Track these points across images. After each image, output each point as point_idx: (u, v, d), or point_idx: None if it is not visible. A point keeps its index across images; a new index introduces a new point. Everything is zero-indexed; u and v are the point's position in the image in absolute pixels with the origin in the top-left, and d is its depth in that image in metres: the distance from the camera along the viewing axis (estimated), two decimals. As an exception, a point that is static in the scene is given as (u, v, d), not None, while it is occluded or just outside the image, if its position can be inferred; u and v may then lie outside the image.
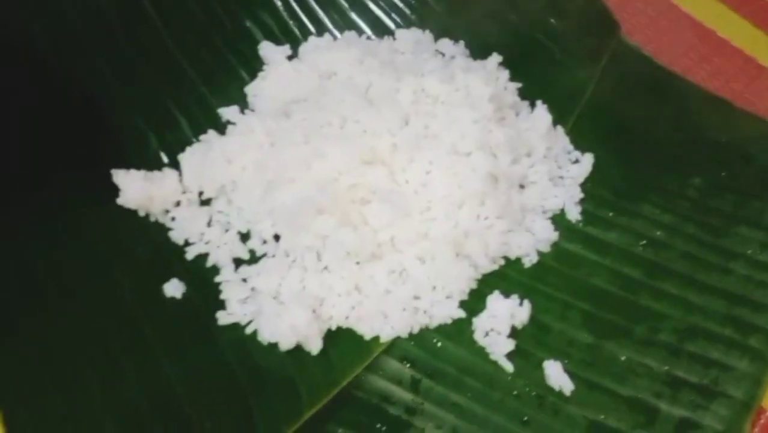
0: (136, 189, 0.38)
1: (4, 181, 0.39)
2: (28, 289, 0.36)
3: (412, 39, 0.49)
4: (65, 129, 0.41)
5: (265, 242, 0.38)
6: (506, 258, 0.41)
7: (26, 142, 0.40)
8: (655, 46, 0.55)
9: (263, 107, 0.43)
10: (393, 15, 0.51)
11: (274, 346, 0.35)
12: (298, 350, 0.35)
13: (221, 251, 0.38)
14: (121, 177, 0.38)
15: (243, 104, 0.44)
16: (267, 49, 0.45)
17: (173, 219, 0.39)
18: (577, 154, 0.46)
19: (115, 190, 0.38)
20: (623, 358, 0.39)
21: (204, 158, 0.39)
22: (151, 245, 0.38)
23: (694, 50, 0.55)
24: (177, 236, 0.38)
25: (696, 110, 0.51)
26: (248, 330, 0.36)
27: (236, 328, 0.36)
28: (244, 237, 0.38)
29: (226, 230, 0.38)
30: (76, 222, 0.38)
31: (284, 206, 0.36)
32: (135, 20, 0.46)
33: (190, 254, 0.38)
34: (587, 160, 0.45)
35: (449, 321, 0.38)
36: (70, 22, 0.45)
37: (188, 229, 0.38)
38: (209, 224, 0.38)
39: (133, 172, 0.39)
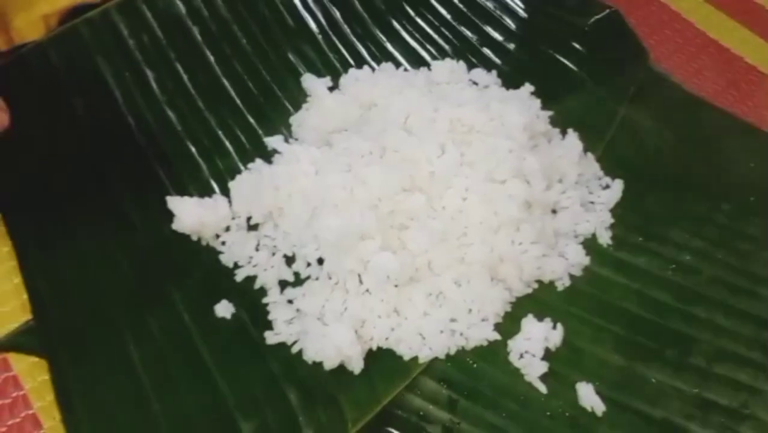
0: (189, 215, 0.40)
1: (66, 206, 0.41)
2: (92, 309, 0.38)
3: (447, 69, 0.51)
4: (124, 156, 0.44)
5: (309, 264, 0.40)
6: (540, 282, 0.42)
7: (86, 169, 0.43)
8: (683, 72, 0.56)
9: (307, 137, 0.45)
10: (428, 46, 0.53)
11: (318, 365, 0.37)
12: (341, 369, 0.37)
13: (268, 274, 0.40)
14: (176, 203, 0.40)
15: (287, 134, 0.46)
16: (309, 81, 0.48)
17: (223, 243, 0.41)
18: (607, 180, 0.47)
19: (170, 216, 0.41)
20: (654, 380, 0.40)
21: (252, 186, 0.41)
22: (203, 267, 0.40)
23: (722, 76, 0.57)
24: (227, 259, 0.40)
25: (724, 136, 0.52)
26: (294, 349, 0.38)
27: (283, 347, 0.38)
28: (290, 260, 0.40)
29: (273, 254, 0.40)
30: (134, 245, 0.40)
31: (328, 231, 0.38)
32: (187, 51, 0.49)
33: (240, 276, 0.40)
34: (617, 186, 0.47)
35: (485, 343, 0.39)
36: (131, 53, 0.48)
37: (237, 252, 0.40)
38: (257, 248, 0.40)
39: (186, 198, 0.41)
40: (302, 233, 0.39)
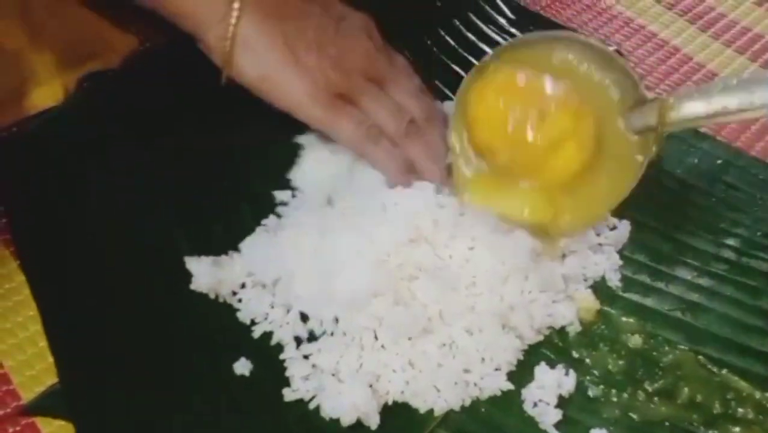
0: (206, 275, 0.41)
1: (87, 270, 0.43)
2: (115, 371, 0.40)
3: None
4: (141, 220, 0.45)
5: (322, 323, 0.41)
6: (551, 327, 0.43)
7: (104, 233, 0.45)
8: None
9: (307, 190, 0.46)
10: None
11: (336, 421, 0.38)
12: (359, 424, 0.38)
13: (284, 330, 0.40)
14: (194, 264, 0.42)
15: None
16: (302, 138, 0.49)
17: (240, 300, 0.42)
18: (614, 220, 0.48)
19: (188, 275, 0.42)
20: (667, 424, 0.40)
21: (262, 248, 0.42)
22: (221, 324, 0.42)
23: (724, 109, 0.57)
24: (243, 316, 0.41)
25: (727, 169, 0.53)
26: (311, 405, 0.39)
27: (301, 403, 0.39)
28: (304, 317, 0.41)
29: (288, 311, 0.41)
30: (154, 306, 0.42)
31: (341, 292, 0.39)
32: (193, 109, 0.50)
33: (257, 332, 0.41)
34: (624, 227, 0.47)
35: (498, 393, 0.40)
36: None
37: (253, 310, 0.41)
38: (272, 306, 0.41)
39: (203, 258, 0.42)
40: (315, 295, 0.40)
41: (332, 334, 0.40)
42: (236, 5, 0.43)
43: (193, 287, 0.42)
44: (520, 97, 0.37)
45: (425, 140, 0.46)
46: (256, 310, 0.41)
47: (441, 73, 0.55)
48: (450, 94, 0.54)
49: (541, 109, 0.35)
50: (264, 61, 0.45)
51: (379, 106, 0.45)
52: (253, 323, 0.41)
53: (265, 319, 0.41)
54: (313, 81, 0.44)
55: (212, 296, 0.42)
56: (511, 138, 0.38)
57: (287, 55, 0.44)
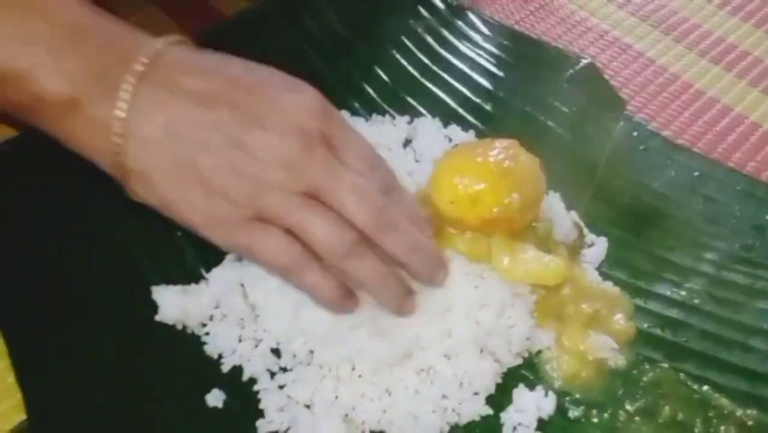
0: (173, 305, 0.40)
1: (52, 302, 0.42)
2: (84, 407, 0.39)
3: (422, 126, 0.51)
4: (108, 247, 0.44)
5: (295, 356, 0.40)
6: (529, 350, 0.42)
7: (70, 261, 0.44)
8: (661, 120, 0.57)
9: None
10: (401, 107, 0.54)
11: (311, 453, 0.37)
12: (334, 455, 0.37)
13: (254, 365, 0.39)
14: (160, 294, 0.41)
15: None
16: None
17: (207, 334, 0.41)
18: (592, 237, 0.47)
19: (155, 304, 0.41)
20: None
21: (232, 277, 0.41)
22: (193, 354, 0.41)
23: (699, 120, 0.57)
24: (211, 350, 0.40)
25: (705, 182, 0.53)
26: (286, 437, 0.38)
27: (275, 435, 0.38)
28: (275, 351, 0.40)
29: (256, 345, 0.40)
30: (122, 338, 0.41)
31: (317, 324, 0.39)
32: None
33: (226, 366, 0.40)
34: (601, 244, 0.47)
35: (478, 418, 0.39)
36: None
37: (221, 344, 0.40)
38: (240, 339, 0.40)
39: (170, 288, 0.41)
40: (287, 328, 0.39)
41: (309, 364, 0.40)
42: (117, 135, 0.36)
43: (158, 318, 0.41)
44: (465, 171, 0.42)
45: (371, 262, 0.38)
46: (224, 344, 0.40)
47: (416, 91, 0.55)
48: (424, 112, 0.53)
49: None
50: (158, 190, 0.37)
51: (310, 226, 0.36)
52: (221, 357, 0.40)
53: (234, 353, 0.40)
54: (222, 205, 0.36)
55: (179, 327, 0.41)
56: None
57: (186, 178, 0.36)
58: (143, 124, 0.36)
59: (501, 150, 0.42)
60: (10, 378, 0.40)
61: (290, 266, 0.37)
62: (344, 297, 0.38)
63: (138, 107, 0.35)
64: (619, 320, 0.43)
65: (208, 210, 0.37)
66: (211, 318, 0.41)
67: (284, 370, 0.40)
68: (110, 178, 0.41)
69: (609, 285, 0.45)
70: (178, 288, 0.41)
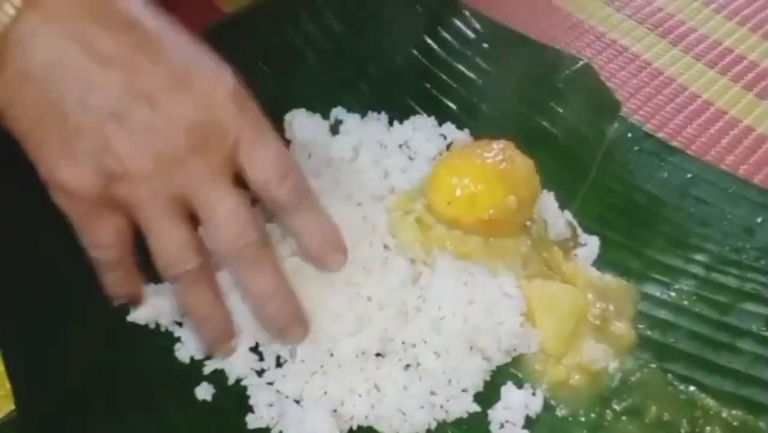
0: (146, 305, 0.40)
1: (48, 302, 0.42)
2: (73, 398, 0.39)
3: (416, 124, 0.51)
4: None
5: (279, 357, 0.40)
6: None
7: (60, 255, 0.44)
8: (655, 122, 0.57)
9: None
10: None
11: (299, 447, 0.37)
12: (322, 450, 0.37)
13: (236, 367, 0.39)
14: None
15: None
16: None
17: (179, 338, 0.40)
18: (584, 237, 0.48)
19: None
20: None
21: None
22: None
23: (693, 122, 0.58)
24: (182, 356, 0.40)
25: (698, 183, 0.53)
26: (274, 432, 0.38)
27: (264, 430, 0.38)
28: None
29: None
30: (112, 331, 0.41)
31: None
32: None
33: (207, 369, 0.40)
34: (593, 243, 0.47)
35: (465, 415, 0.39)
36: None
37: (193, 348, 0.40)
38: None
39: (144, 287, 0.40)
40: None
41: (294, 361, 0.40)
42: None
43: (130, 318, 0.40)
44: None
45: (200, 296, 0.36)
46: (197, 348, 0.40)
47: (412, 91, 0.55)
48: (420, 111, 0.54)
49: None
50: (16, 122, 0.33)
51: (155, 238, 0.34)
52: (192, 360, 0.40)
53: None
54: (72, 172, 0.32)
55: (152, 326, 0.41)
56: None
57: (48, 126, 0.32)
58: (18, 58, 0.31)
59: (497, 152, 0.42)
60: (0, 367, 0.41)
61: (102, 264, 0.37)
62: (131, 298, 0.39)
63: (18, 38, 0.31)
64: (620, 325, 0.44)
65: (55, 170, 0.32)
66: (181, 325, 0.41)
67: (277, 366, 0.40)
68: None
69: (609, 277, 0.45)
70: (152, 287, 0.40)
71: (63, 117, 0.32)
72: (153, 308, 0.40)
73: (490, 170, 0.41)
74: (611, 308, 0.44)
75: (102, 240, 0.35)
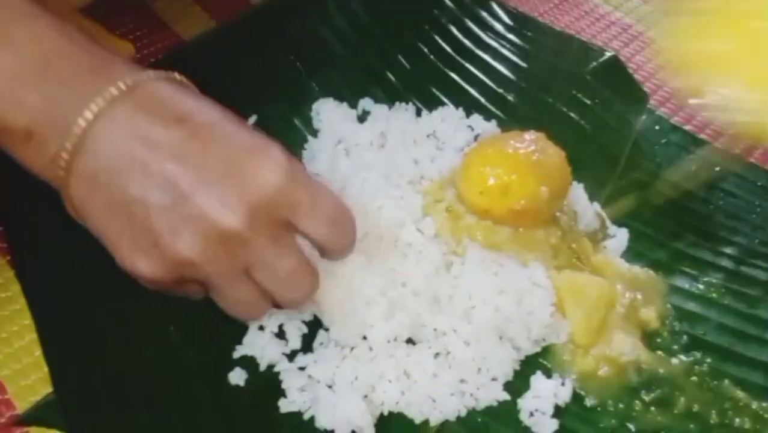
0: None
1: (82, 280, 0.43)
2: (110, 383, 0.40)
3: (443, 115, 0.52)
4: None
5: (304, 335, 0.41)
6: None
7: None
8: (683, 114, 0.57)
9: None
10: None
11: (330, 432, 0.38)
12: (354, 435, 0.38)
13: (267, 353, 0.40)
14: None
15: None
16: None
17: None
18: (613, 228, 0.48)
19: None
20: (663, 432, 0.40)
21: None
22: (216, 333, 0.41)
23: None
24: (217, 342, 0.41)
25: (727, 176, 0.53)
26: (306, 416, 0.38)
27: (296, 414, 0.39)
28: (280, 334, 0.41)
29: (260, 327, 0.41)
30: (150, 316, 0.42)
31: (332, 302, 0.39)
32: None
33: (237, 354, 0.41)
34: (622, 235, 0.47)
35: (495, 403, 0.40)
36: None
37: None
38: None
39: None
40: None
41: (325, 345, 0.40)
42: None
43: None
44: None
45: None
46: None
47: (438, 81, 0.56)
48: (446, 101, 0.54)
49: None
50: (91, 221, 0.36)
51: (223, 297, 0.37)
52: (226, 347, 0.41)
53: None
54: (147, 260, 0.35)
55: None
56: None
57: (117, 221, 0.35)
58: (87, 163, 0.34)
59: (530, 142, 0.43)
60: (37, 352, 0.41)
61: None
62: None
63: (87, 145, 0.34)
64: (648, 312, 0.44)
65: (132, 265, 0.35)
66: None
67: (305, 350, 0.40)
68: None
69: (638, 269, 0.45)
70: None
71: (130, 216, 0.34)
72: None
73: (522, 161, 0.41)
74: (639, 297, 0.44)
75: (187, 294, 0.38)
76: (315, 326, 0.42)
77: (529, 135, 0.43)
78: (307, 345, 0.41)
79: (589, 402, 0.41)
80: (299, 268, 0.36)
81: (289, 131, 0.52)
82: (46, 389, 0.40)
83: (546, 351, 0.42)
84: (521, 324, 0.40)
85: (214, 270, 0.35)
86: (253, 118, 0.51)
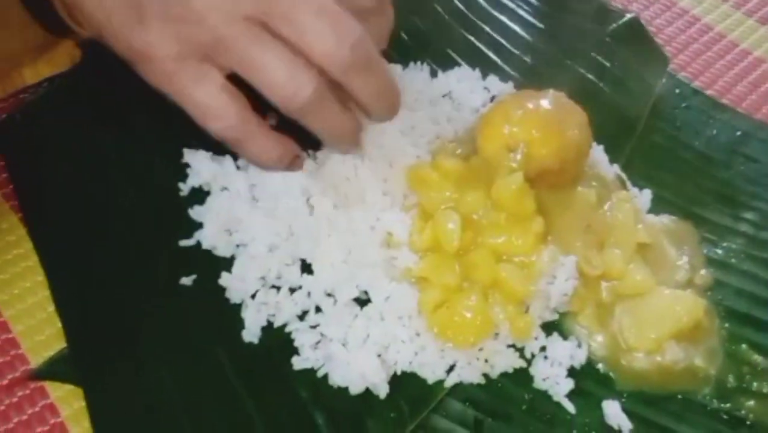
0: (203, 166, 0.44)
1: (95, 241, 0.43)
2: (123, 337, 0.40)
3: (459, 76, 0.51)
4: (151, 191, 0.45)
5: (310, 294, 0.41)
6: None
7: (112, 202, 0.44)
8: (705, 79, 0.55)
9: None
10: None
11: (344, 389, 0.38)
12: (367, 393, 0.38)
13: (281, 313, 0.40)
14: (191, 156, 0.44)
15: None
16: None
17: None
18: (635, 191, 0.47)
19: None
20: (680, 396, 0.40)
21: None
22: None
23: (744, 80, 0.56)
24: (233, 297, 0.41)
25: (747, 141, 0.52)
26: (320, 374, 0.38)
27: (310, 372, 0.38)
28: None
29: (271, 286, 0.41)
30: (162, 272, 0.42)
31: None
32: None
33: (249, 313, 0.40)
34: (646, 196, 0.46)
35: (510, 370, 0.39)
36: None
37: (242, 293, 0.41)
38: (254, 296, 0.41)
39: (201, 152, 0.44)
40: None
41: (336, 304, 0.40)
42: None
43: (189, 182, 0.44)
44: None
45: (331, 114, 0.33)
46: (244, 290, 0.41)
47: (453, 42, 0.54)
48: (461, 62, 0.53)
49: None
50: (89, 18, 0.34)
51: (261, 68, 0.31)
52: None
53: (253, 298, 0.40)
54: (151, 35, 0.32)
55: (206, 189, 0.44)
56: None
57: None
58: None
59: (551, 100, 0.41)
60: (50, 308, 0.41)
61: (229, 135, 0.33)
62: (290, 161, 0.35)
63: None
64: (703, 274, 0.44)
65: (132, 40, 0.32)
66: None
67: (317, 311, 0.40)
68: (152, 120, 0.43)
69: (668, 219, 0.45)
70: (209, 154, 0.44)
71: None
72: (210, 171, 0.43)
73: (544, 118, 0.40)
74: (686, 258, 0.43)
75: (211, 105, 0.33)
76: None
77: (550, 94, 0.42)
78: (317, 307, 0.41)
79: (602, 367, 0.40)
80: (330, 2, 0.31)
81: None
82: (59, 344, 0.40)
83: (563, 316, 0.42)
84: (541, 293, 0.40)
85: (220, 20, 0.30)
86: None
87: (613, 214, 0.42)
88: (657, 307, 0.40)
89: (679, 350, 0.40)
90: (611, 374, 0.40)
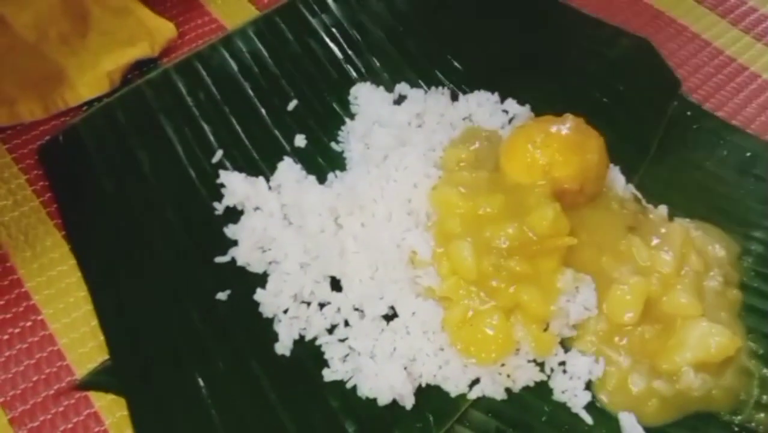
0: (238, 187, 0.47)
1: (136, 255, 0.45)
2: (163, 349, 0.42)
3: (479, 99, 0.53)
4: (188, 206, 0.48)
5: (339, 310, 0.43)
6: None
7: (153, 218, 0.47)
8: (715, 101, 0.57)
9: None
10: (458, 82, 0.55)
11: (373, 400, 0.40)
12: (394, 403, 0.40)
13: (313, 326, 0.42)
14: (227, 176, 0.47)
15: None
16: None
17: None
18: (650, 207, 0.48)
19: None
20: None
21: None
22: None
23: (753, 102, 0.58)
24: (266, 312, 0.43)
25: (757, 162, 0.53)
26: (349, 385, 0.40)
27: (340, 383, 0.41)
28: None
29: (302, 302, 0.43)
30: (200, 287, 0.44)
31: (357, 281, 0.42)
32: (240, 105, 0.53)
33: (282, 326, 0.43)
34: (662, 211, 0.48)
35: (531, 384, 0.41)
36: (189, 109, 0.52)
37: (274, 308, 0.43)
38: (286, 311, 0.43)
39: (236, 173, 0.48)
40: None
41: (363, 319, 0.42)
42: None
43: (224, 202, 0.47)
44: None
45: None
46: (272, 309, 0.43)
47: (474, 67, 0.57)
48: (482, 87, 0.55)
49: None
50: None
51: None
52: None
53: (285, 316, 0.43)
54: None
55: (240, 208, 0.46)
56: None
57: None
58: None
59: (572, 125, 0.44)
60: (93, 321, 0.44)
61: None
62: None
63: None
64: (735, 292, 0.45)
65: None
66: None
67: (345, 324, 0.42)
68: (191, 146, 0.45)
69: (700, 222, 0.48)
70: (242, 175, 0.47)
71: None
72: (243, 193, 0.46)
73: (565, 142, 0.43)
74: (720, 273, 0.45)
75: None
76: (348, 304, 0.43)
77: (570, 119, 0.45)
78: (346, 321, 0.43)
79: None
80: None
81: (328, 114, 0.53)
82: (102, 356, 0.42)
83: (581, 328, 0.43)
84: (560, 311, 0.41)
85: None
86: (293, 103, 0.53)
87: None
88: (691, 333, 0.41)
89: (695, 378, 0.41)
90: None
